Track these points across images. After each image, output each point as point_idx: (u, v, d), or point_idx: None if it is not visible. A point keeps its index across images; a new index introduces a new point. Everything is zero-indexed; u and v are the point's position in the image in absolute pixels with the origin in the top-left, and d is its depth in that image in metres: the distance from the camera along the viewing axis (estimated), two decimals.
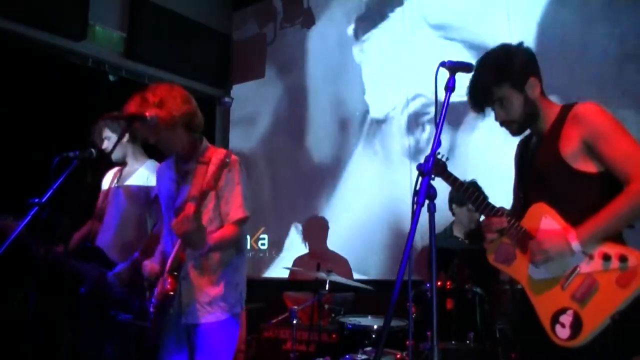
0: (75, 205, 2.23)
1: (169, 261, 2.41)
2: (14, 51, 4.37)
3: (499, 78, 2.10)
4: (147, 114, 2.42)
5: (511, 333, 3.21)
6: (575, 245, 1.95)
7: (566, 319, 1.93)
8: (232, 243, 2.50)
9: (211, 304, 2.47)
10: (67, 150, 2.51)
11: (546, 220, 2.05)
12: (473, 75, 2.15)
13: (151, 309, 2.44)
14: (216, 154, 2.50)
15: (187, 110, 2.51)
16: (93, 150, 2.63)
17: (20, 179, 3.89)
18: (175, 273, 2.38)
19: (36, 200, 2.25)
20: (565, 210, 2.03)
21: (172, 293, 2.36)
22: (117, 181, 3.29)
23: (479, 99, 2.17)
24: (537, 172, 2.14)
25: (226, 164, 2.38)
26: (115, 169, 3.39)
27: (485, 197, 2.22)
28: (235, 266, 2.55)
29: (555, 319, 1.96)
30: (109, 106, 3.37)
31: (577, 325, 1.91)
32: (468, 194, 2.20)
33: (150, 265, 2.55)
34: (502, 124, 2.19)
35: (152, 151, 3.30)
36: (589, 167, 2.03)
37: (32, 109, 4.39)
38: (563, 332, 1.93)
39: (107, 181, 3.37)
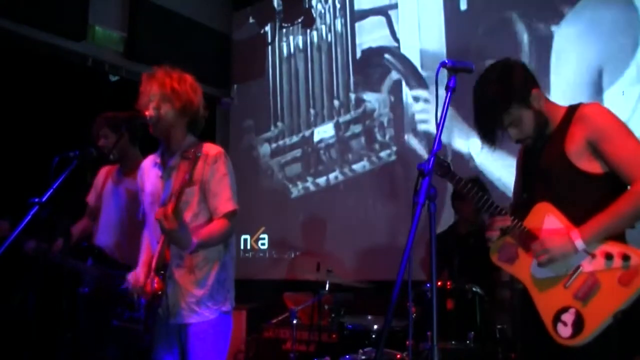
0: (75, 205, 2.23)
1: (154, 260, 2.37)
2: (14, 51, 4.37)
3: (506, 104, 2.08)
4: (146, 113, 2.43)
5: (511, 333, 3.21)
6: (579, 243, 1.95)
7: (568, 317, 1.94)
8: (223, 238, 2.43)
9: (198, 303, 2.41)
10: (67, 150, 2.50)
11: (549, 220, 2.06)
12: (478, 107, 2.14)
13: (141, 311, 2.41)
14: (200, 148, 2.42)
15: (198, 104, 2.54)
16: (93, 150, 2.63)
17: (20, 179, 3.89)
18: (162, 272, 2.34)
19: (36, 200, 2.25)
20: (569, 209, 2.03)
21: (159, 292, 2.32)
22: (115, 181, 3.28)
23: (491, 129, 2.15)
24: (541, 171, 2.14)
25: (208, 157, 2.36)
26: (108, 167, 3.38)
27: (490, 196, 2.22)
28: (222, 263, 2.48)
29: (557, 318, 1.96)
30: (109, 106, 3.39)
31: (579, 324, 1.91)
32: (472, 193, 2.20)
33: (134, 275, 2.50)
34: (517, 141, 2.19)
35: (148, 151, 3.31)
36: (594, 167, 2.03)
37: (32, 109, 4.39)
38: (565, 331, 1.93)
39: (100, 180, 3.35)
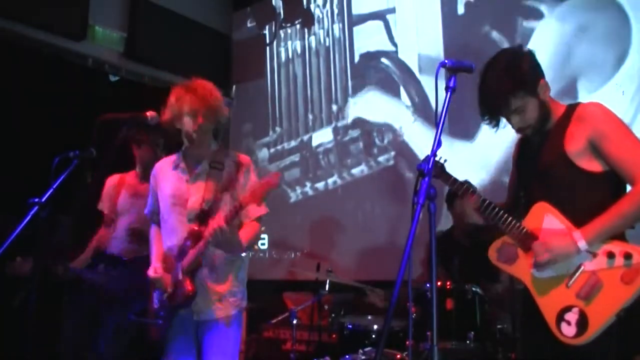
0: (75, 205, 2.24)
1: (187, 263, 2.45)
2: (14, 51, 4.37)
3: (515, 88, 2.07)
4: (147, 114, 2.50)
5: (512, 332, 3.20)
6: (582, 244, 1.95)
7: (572, 316, 1.94)
8: (258, 239, 2.63)
9: (221, 300, 2.55)
10: (67, 150, 2.51)
11: (548, 219, 2.06)
12: (485, 88, 2.13)
13: (162, 307, 2.51)
14: (228, 157, 2.64)
15: (226, 116, 2.71)
16: (93, 150, 2.63)
17: (20, 179, 3.89)
18: (192, 274, 2.46)
19: (36, 200, 2.25)
20: (569, 209, 2.03)
21: (192, 294, 2.44)
22: (133, 192, 3.33)
23: (496, 112, 2.14)
24: (540, 170, 2.14)
25: (241, 166, 2.58)
26: (119, 176, 3.43)
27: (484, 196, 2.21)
28: (241, 261, 2.66)
29: (560, 317, 1.97)
30: (109, 106, 3.38)
31: (582, 322, 1.92)
32: (468, 194, 2.20)
33: (153, 269, 2.57)
34: (518, 130, 2.18)
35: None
36: (594, 166, 2.03)
37: (32, 109, 4.40)
38: (569, 330, 1.94)
39: (112, 189, 3.41)
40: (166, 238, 2.63)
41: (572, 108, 2.13)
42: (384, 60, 5.10)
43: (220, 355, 2.55)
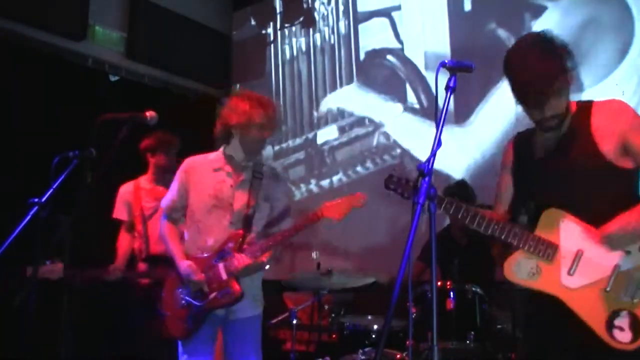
0: (75, 205, 2.25)
1: (237, 267, 2.54)
2: (14, 51, 4.37)
3: (559, 68, 1.95)
4: (147, 114, 2.49)
5: (512, 332, 3.20)
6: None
7: (622, 321, 1.86)
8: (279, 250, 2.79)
9: (254, 299, 2.72)
10: (67, 150, 2.51)
11: (566, 225, 1.97)
12: (525, 71, 1.96)
13: (199, 306, 2.56)
14: (266, 168, 2.81)
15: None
16: (93, 150, 2.64)
17: (20, 179, 3.89)
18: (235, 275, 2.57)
19: (36, 200, 2.25)
20: (600, 207, 1.94)
21: (240, 296, 2.55)
22: (154, 196, 3.45)
23: (540, 94, 1.95)
24: (567, 173, 2.01)
25: (278, 180, 2.82)
26: (133, 183, 3.55)
27: (472, 206, 2.15)
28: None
29: (610, 324, 1.86)
30: (109, 106, 3.40)
31: (636, 325, 1.84)
32: (453, 210, 2.11)
33: (190, 267, 2.60)
34: (550, 118, 2.00)
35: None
36: (627, 163, 1.98)
37: (32, 108, 4.40)
38: (624, 336, 1.85)
39: (128, 197, 3.52)
40: (196, 237, 2.67)
41: (587, 105, 2.06)
42: (389, 57, 5.09)
43: (253, 354, 2.65)
